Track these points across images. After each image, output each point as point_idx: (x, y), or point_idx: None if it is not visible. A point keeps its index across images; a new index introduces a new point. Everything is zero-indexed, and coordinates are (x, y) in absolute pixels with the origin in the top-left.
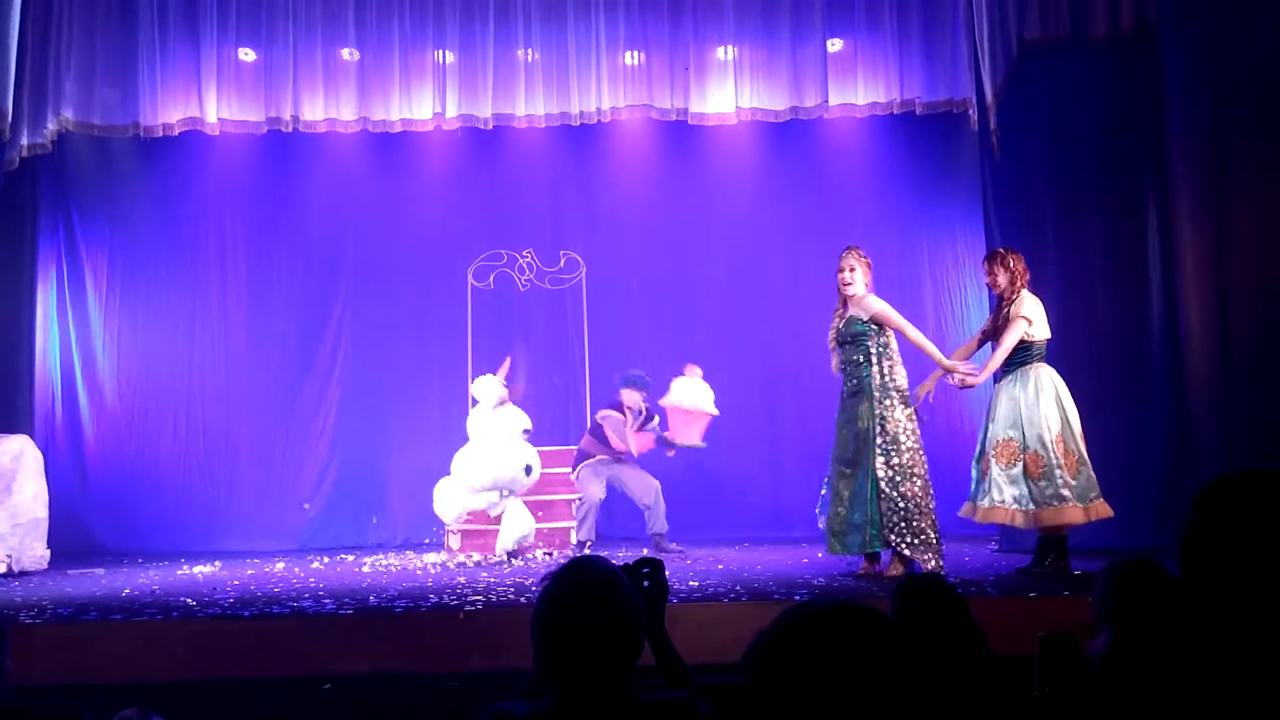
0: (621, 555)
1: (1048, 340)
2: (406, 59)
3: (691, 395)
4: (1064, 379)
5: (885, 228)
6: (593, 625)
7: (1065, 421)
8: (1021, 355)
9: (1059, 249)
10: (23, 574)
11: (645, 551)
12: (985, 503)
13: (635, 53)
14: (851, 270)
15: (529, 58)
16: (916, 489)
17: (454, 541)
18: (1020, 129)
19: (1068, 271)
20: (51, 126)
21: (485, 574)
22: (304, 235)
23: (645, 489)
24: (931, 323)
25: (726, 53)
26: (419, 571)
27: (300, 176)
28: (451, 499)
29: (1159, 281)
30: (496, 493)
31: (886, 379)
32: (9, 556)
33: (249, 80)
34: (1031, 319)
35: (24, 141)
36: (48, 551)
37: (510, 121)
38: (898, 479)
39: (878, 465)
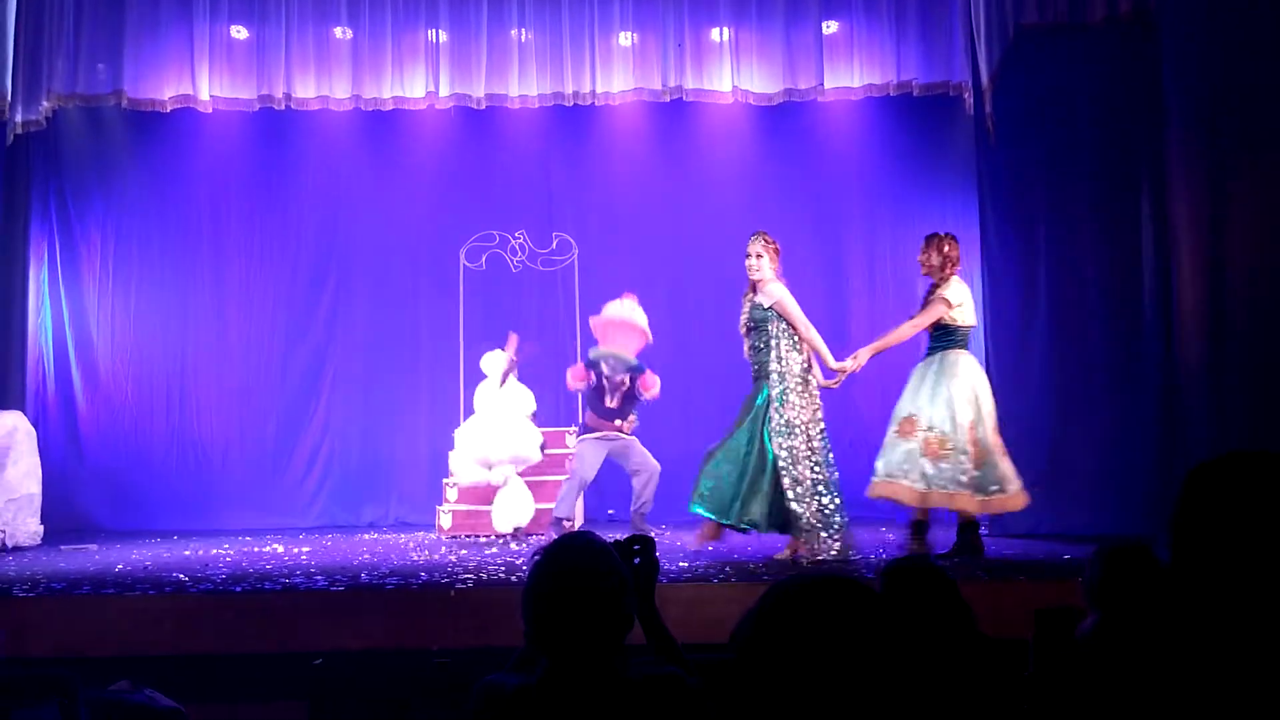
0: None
1: (972, 328)
2: (399, 38)
3: (624, 311)
4: (1055, 363)
5: (879, 209)
6: (582, 600)
7: (979, 412)
8: (944, 339)
9: (1053, 232)
10: (16, 549)
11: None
12: (875, 479)
13: (629, 33)
14: (759, 256)
15: (522, 37)
16: (810, 473)
17: (445, 521)
18: (1016, 112)
19: (1061, 255)
20: (46, 104)
21: (476, 552)
22: (296, 213)
23: (643, 463)
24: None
25: (721, 34)
26: (411, 549)
27: (293, 154)
28: (465, 469)
29: (1152, 266)
30: (512, 467)
31: (784, 365)
32: (2, 531)
33: (241, 58)
34: (953, 303)
35: (19, 119)
36: (41, 527)
37: (503, 101)
38: (793, 463)
39: (775, 449)
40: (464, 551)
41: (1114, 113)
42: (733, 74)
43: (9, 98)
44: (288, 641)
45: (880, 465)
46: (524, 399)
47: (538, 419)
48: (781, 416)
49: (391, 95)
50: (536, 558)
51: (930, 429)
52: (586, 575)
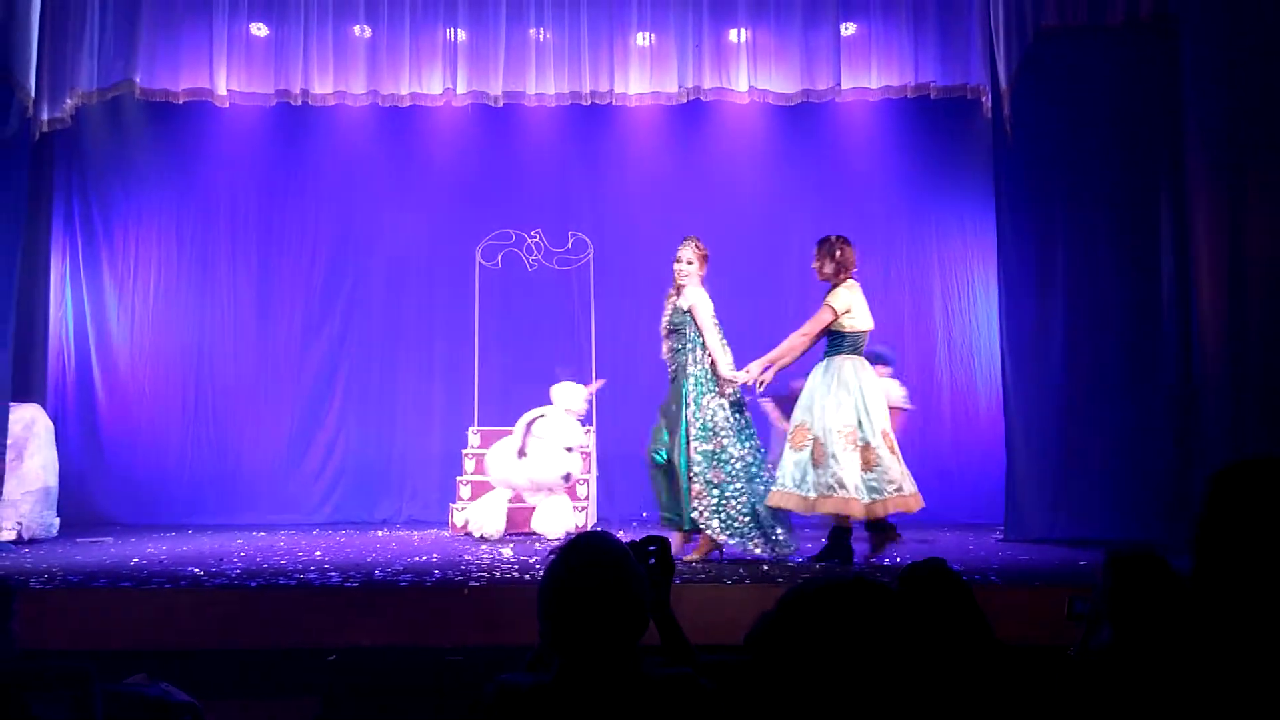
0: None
1: (866, 332)
2: (418, 36)
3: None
4: (1071, 367)
5: (896, 211)
6: (598, 599)
7: (864, 416)
8: (834, 345)
9: (1070, 236)
10: (33, 541)
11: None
12: (780, 486)
13: (647, 34)
14: (689, 262)
15: (540, 37)
16: (726, 474)
17: (458, 519)
18: (1034, 115)
19: (1078, 259)
20: (70, 101)
21: (490, 550)
22: (313, 210)
23: None
24: (939, 305)
25: (739, 35)
26: (424, 547)
27: (310, 151)
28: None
29: (1170, 272)
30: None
31: (700, 368)
32: (19, 524)
33: (259, 55)
34: (840, 309)
35: (44, 117)
36: (57, 520)
37: (520, 99)
38: (707, 465)
39: (690, 451)
40: (481, 549)
41: (1133, 116)
42: (750, 74)
43: (35, 96)
44: (301, 637)
45: (777, 474)
46: (573, 430)
47: None
48: (697, 420)
49: (409, 92)
50: (552, 557)
51: (817, 437)
52: (603, 575)
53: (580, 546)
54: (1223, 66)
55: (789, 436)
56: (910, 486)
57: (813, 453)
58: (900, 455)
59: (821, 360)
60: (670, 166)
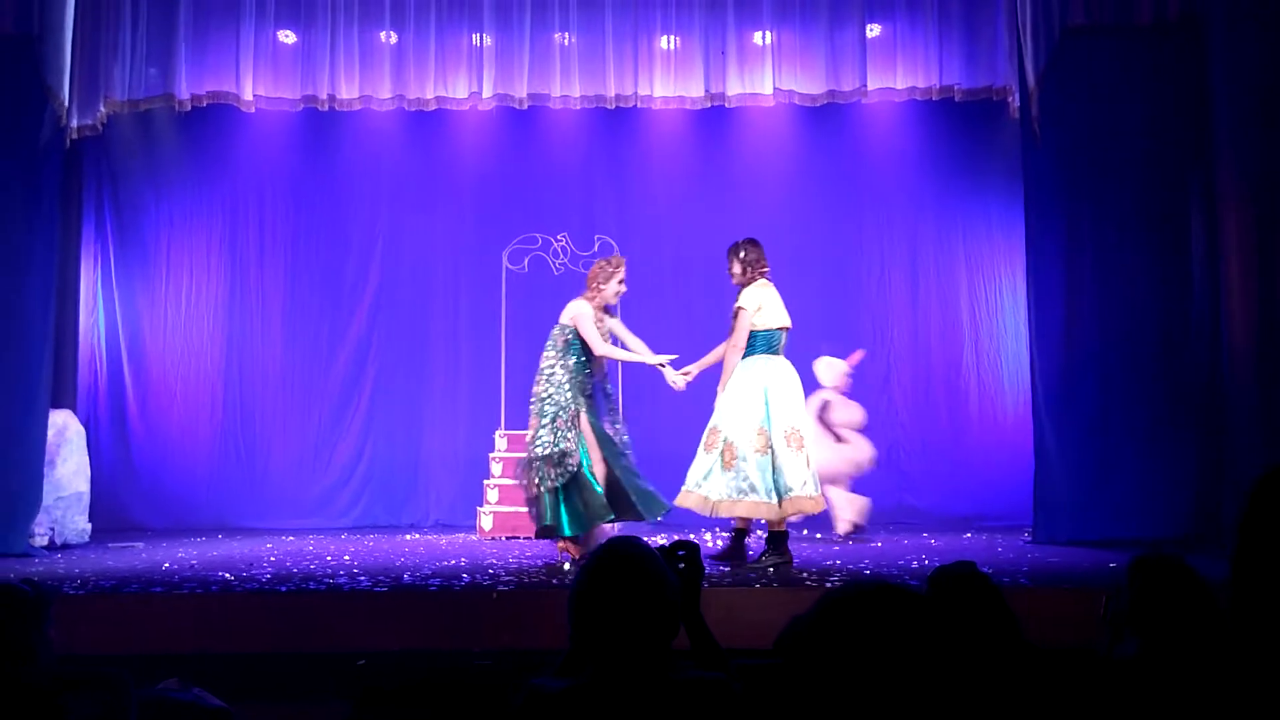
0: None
1: (781, 330)
2: (443, 41)
3: None
4: (1101, 369)
5: (922, 212)
6: (629, 604)
7: (770, 416)
8: (749, 345)
9: (1099, 236)
10: (65, 546)
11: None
12: (685, 486)
13: (672, 37)
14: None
15: (565, 41)
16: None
17: (486, 522)
18: (1062, 117)
19: (1108, 259)
20: (102, 109)
21: (518, 555)
22: (340, 215)
23: None
24: (966, 310)
25: (764, 38)
26: (452, 551)
27: (337, 156)
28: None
29: (1201, 274)
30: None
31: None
32: (52, 529)
33: (286, 61)
34: (750, 307)
35: (74, 124)
36: (89, 525)
37: (545, 102)
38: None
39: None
40: (508, 553)
41: (1163, 115)
42: (775, 77)
43: (67, 104)
44: (332, 642)
45: (688, 476)
46: (854, 411)
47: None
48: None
49: (434, 95)
50: (584, 562)
51: (727, 438)
52: (634, 579)
53: (611, 551)
54: (1252, 66)
55: (703, 438)
56: (813, 489)
57: (722, 455)
58: (809, 455)
59: (742, 361)
60: (695, 168)
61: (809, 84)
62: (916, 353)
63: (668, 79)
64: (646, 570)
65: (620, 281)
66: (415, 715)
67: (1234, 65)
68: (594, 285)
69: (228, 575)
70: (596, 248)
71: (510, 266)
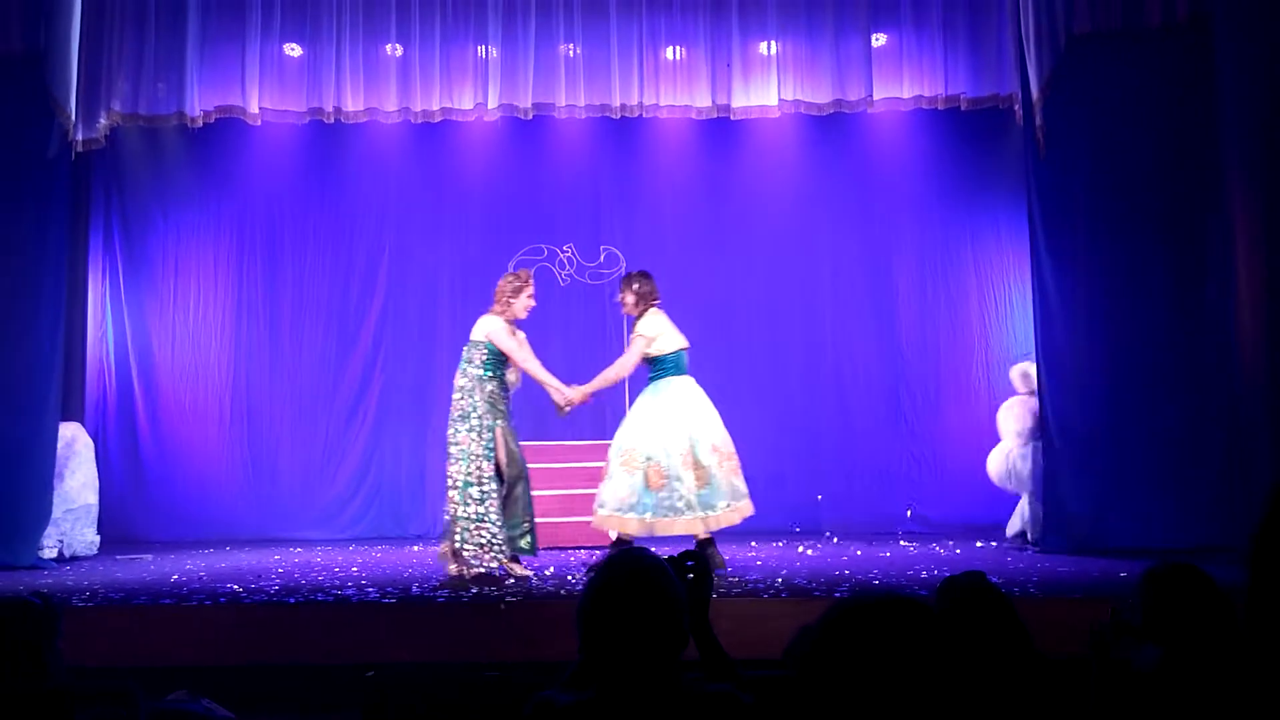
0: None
1: (680, 351)
2: (449, 54)
3: None
4: (1113, 376)
5: (929, 221)
6: (638, 615)
7: (692, 434)
8: (658, 369)
9: (1106, 247)
10: (74, 559)
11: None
12: (602, 511)
13: (676, 48)
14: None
15: (570, 53)
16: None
17: None
18: (1067, 125)
19: (1115, 269)
20: (104, 121)
21: (529, 567)
22: (346, 225)
23: None
24: (976, 319)
25: (769, 48)
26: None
27: (343, 168)
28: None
29: (1214, 276)
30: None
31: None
32: (60, 541)
33: (292, 74)
34: (650, 335)
35: (79, 137)
36: (98, 537)
37: (550, 111)
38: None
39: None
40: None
41: (1171, 121)
42: (780, 87)
43: (74, 118)
44: (340, 653)
45: (606, 497)
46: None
47: (581, 433)
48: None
49: (440, 107)
50: (592, 575)
51: (649, 459)
52: (643, 591)
53: (619, 563)
54: (1262, 70)
55: (620, 460)
56: (741, 499)
57: (646, 476)
58: (736, 464)
59: (648, 385)
60: (701, 179)
61: (815, 94)
62: (925, 361)
63: (673, 89)
64: (656, 582)
65: (530, 296)
66: None
67: (1242, 68)
68: (502, 299)
69: (236, 587)
70: (602, 258)
71: None
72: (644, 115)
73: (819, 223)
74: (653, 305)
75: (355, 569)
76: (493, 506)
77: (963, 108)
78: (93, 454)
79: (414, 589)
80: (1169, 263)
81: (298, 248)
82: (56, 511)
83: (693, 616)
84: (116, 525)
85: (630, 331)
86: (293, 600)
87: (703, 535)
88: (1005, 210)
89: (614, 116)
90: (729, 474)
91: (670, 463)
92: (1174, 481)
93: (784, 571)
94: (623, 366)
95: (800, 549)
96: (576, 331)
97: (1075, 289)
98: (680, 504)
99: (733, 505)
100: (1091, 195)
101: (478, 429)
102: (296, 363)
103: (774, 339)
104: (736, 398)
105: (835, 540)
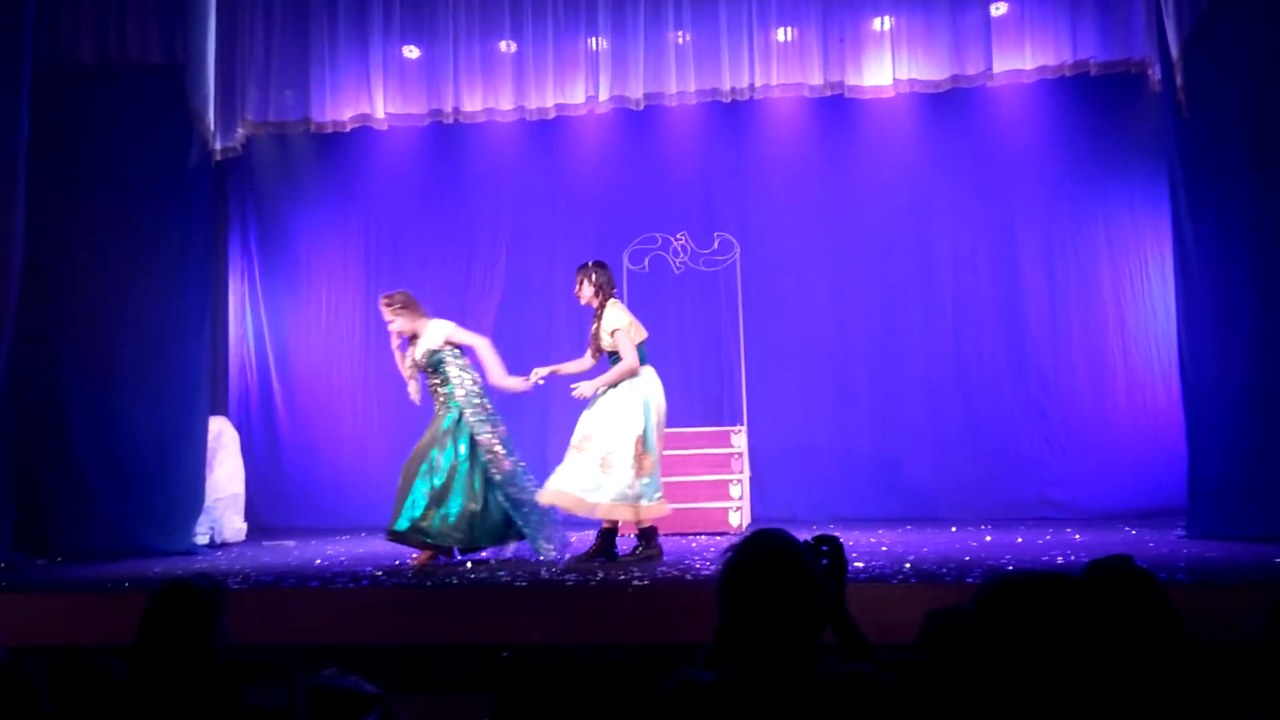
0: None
1: (644, 339)
2: (561, 47)
3: None
4: (1257, 356)
5: (1057, 196)
6: (779, 595)
7: (646, 424)
8: (616, 356)
9: (1255, 213)
10: (224, 545)
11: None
12: (554, 485)
13: (788, 29)
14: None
15: (680, 39)
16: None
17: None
18: (1210, 85)
19: (1265, 236)
20: (240, 131)
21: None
22: (466, 223)
23: None
24: (1110, 297)
25: (883, 23)
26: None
27: (462, 167)
28: None
29: None
30: None
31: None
32: (211, 528)
33: (412, 76)
34: (624, 325)
35: (218, 146)
36: (245, 524)
37: (661, 100)
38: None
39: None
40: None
41: None
42: (894, 64)
43: (213, 127)
44: (475, 634)
45: (561, 475)
46: None
47: (689, 419)
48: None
49: (554, 104)
50: (730, 555)
51: (604, 445)
52: (784, 571)
53: (759, 543)
54: None
55: (576, 442)
56: (661, 493)
57: (601, 461)
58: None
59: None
60: (814, 161)
61: (931, 69)
62: (1057, 341)
63: (784, 71)
64: (797, 562)
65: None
66: (557, 706)
67: None
68: (418, 310)
69: (377, 571)
70: (716, 245)
71: (631, 267)
72: (754, 98)
73: (938, 202)
74: (611, 295)
75: (485, 553)
76: (532, 481)
77: (1092, 73)
78: (238, 446)
79: (543, 574)
80: None
81: (420, 246)
82: (207, 500)
83: (830, 599)
84: (258, 513)
85: (595, 324)
86: (429, 584)
87: (616, 523)
88: (1137, 180)
89: (724, 100)
90: (657, 469)
91: (623, 450)
92: None
93: (911, 557)
94: (627, 366)
95: (922, 534)
96: (692, 319)
97: (1221, 259)
98: (628, 491)
99: (660, 498)
100: (1240, 159)
101: (493, 421)
102: None
103: (892, 323)
104: (854, 383)
105: (954, 530)
